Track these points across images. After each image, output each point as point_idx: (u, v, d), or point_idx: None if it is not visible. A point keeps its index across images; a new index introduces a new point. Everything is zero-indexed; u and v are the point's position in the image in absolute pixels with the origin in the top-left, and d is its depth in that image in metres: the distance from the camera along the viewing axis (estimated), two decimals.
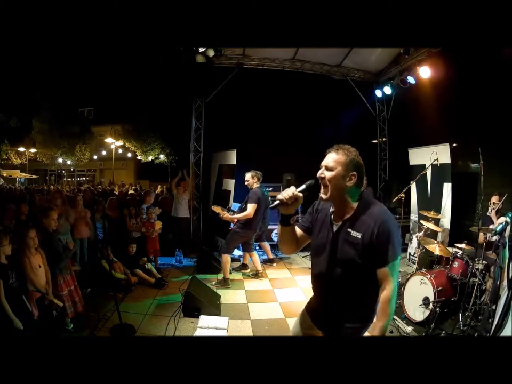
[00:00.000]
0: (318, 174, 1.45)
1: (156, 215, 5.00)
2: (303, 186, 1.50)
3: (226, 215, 4.32)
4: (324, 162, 1.45)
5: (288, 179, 8.66)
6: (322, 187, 1.45)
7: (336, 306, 1.51)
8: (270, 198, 4.73)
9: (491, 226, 3.47)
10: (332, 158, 1.43)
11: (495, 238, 3.47)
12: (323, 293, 1.58)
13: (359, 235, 1.38)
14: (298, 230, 1.63)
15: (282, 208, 1.47)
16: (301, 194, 1.45)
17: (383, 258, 1.34)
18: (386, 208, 1.48)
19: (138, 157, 18.08)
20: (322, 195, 1.46)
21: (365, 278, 1.39)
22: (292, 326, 1.86)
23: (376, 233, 1.34)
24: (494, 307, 2.37)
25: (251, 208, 4.05)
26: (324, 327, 1.60)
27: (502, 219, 2.93)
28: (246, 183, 4.38)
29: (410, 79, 5.52)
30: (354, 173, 1.41)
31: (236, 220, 4.36)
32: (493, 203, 3.57)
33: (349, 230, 1.42)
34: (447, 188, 4.72)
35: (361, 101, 6.97)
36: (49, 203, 4.42)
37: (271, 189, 4.54)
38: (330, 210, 1.53)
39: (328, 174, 1.42)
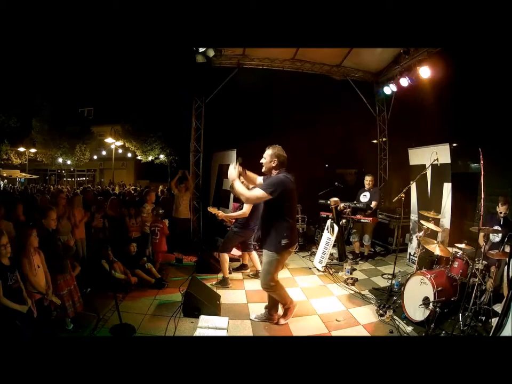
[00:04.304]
0: None
1: (161, 216, 5.02)
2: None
3: (221, 213, 4.31)
4: None
5: None
6: None
7: None
8: None
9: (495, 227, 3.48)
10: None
11: (497, 238, 3.50)
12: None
13: None
14: None
15: None
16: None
17: None
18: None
19: (138, 157, 18.10)
20: None
21: None
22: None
23: None
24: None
25: (246, 207, 4.06)
26: None
27: None
28: None
29: (410, 79, 5.52)
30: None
31: (233, 220, 4.36)
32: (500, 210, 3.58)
33: None
34: (447, 187, 4.71)
35: (361, 101, 6.97)
36: (51, 203, 4.41)
37: None
38: None
39: None
